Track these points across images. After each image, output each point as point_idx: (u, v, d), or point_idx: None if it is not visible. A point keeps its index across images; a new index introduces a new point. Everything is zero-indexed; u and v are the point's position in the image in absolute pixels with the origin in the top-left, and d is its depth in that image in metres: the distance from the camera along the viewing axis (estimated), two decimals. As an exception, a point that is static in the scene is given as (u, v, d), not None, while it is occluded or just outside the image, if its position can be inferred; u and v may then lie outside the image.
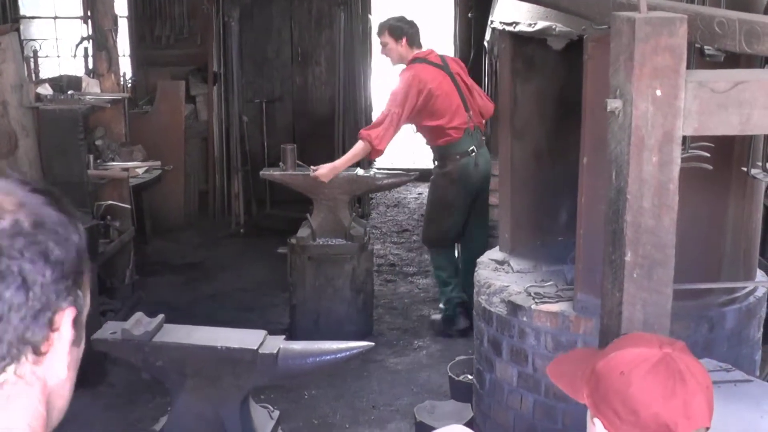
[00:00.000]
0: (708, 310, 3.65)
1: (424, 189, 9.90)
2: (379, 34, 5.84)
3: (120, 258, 6.22)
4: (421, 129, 5.93)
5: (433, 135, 5.85)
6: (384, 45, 5.79)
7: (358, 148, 5.72)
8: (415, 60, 5.78)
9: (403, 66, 5.82)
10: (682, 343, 1.81)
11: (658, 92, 2.15)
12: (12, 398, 0.98)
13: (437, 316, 6.20)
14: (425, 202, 9.42)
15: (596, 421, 1.77)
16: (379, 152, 5.76)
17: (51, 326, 0.99)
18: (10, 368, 0.97)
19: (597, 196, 3.28)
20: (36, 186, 1.03)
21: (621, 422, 1.72)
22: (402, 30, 5.74)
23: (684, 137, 2.30)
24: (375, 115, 9.33)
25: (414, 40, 5.79)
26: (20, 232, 0.96)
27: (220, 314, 6.23)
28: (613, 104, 2.21)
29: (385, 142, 5.66)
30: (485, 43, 6.53)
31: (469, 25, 8.42)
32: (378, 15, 9.96)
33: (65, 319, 1.01)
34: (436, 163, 6.02)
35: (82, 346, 1.08)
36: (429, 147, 6.06)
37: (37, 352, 0.99)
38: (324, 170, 5.73)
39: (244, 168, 8.67)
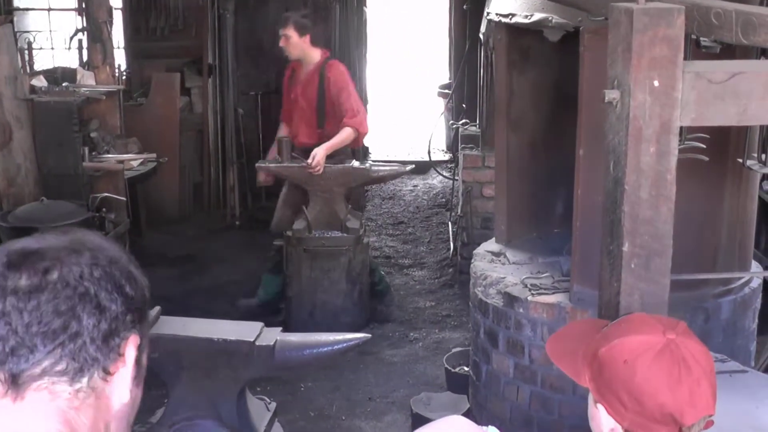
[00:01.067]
0: (703, 301, 3.67)
1: (419, 181, 9.91)
2: (284, 26, 5.94)
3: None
4: (333, 123, 5.98)
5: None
6: (287, 37, 5.89)
7: (346, 133, 5.86)
8: (330, 57, 6.06)
9: (300, 59, 5.97)
10: (683, 324, 1.80)
11: (656, 83, 2.16)
12: (82, 409, 1.12)
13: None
14: (419, 194, 9.51)
15: (600, 406, 1.77)
16: (365, 135, 6.04)
17: (118, 351, 1.14)
18: (84, 379, 1.11)
19: (593, 188, 3.28)
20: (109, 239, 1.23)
21: (625, 410, 1.71)
22: (307, 27, 5.89)
23: (680, 128, 2.30)
24: (370, 108, 9.40)
25: (316, 38, 5.97)
26: (98, 264, 1.14)
27: (216, 306, 6.22)
28: (611, 95, 2.21)
29: (367, 127, 6.01)
30: (481, 35, 6.53)
31: (465, 17, 8.39)
32: (373, 7, 9.96)
33: (130, 346, 1.16)
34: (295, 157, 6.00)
35: (141, 387, 1.22)
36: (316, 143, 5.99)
37: (107, 371, 1.13)
38: (320, 156, 5.75)
39: (239, 160, 8.66)
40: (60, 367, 1.08)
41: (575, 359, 1.86)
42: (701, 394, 1.69)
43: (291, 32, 5.84)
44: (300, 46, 5.89)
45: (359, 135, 5.93)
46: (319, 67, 5.93)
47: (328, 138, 5.91)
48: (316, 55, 5.96)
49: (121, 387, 1.15)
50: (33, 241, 1.15)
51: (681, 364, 1.70)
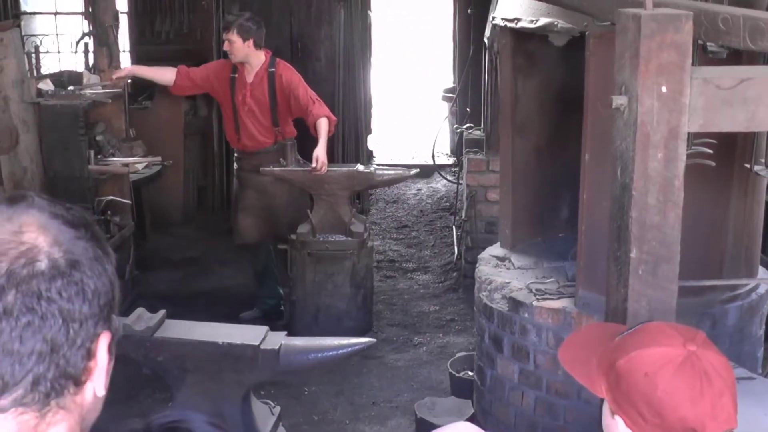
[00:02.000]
0: (710, 307, 3.66)
1: (423, 185, 9.91)
2: (226, 30, 5.90)
3: (120, 253, 6.21)
4: (284, 120, 6.02)
5: (292, 127, 6.10)
6: (230, 42, 5.84)
7: (326, 124, 5.83)
8: (274, 56, 6.02)
9: (245, 62, 5.92)
10: (702, 334, 1.77)
11: (664, 89, 2.15)
12: (53, 425, 1.02)
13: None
14: (423, 198, 9.51)
15: (617, 418, 1.74)
16: (335, 123, 5.97)
17: (89, 356, 1.03)
18: (54, 402, 1.01)
19: (599, 192, 3.28)
20: (67, 216, 1.06)
21: (645, 423, 1.68)
22: (250, 31, 5.83)
23: (687, 134, 2.30)
24: (375, 112, 9.41)
25: (259, 41, 5.90)
26: (58, 273, 0.98)
27: (220, 309, 6.22)
28: (619, 101, 2.21)
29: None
30: (485, 39, 6.53)
31: (469, 21, 8.40)
32: (378, 11, 9.96)
33: (101, 344, 1.04)
34: (298, 160, 6.07)
35: (112, 361, 1.11)
36: (276, 142, 6.04)
37: (78, 383, 1.02)
38: (323, 157, 5.75)
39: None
40: (28, 398, 0.98)
41: (589, 367, 1.82)
42: (723, 407, 1.67)
43: (234, 37, 5.80)
44: (244, 51, 5.85)
45: (331, 122, 5.87)
46: (266, 67, 5.92)
47: (283, 135, 5.97)
48: (260, 56, 5.92)
49: (96, 383, 1.05)
50: None
51: (703, 377, 1.67)
